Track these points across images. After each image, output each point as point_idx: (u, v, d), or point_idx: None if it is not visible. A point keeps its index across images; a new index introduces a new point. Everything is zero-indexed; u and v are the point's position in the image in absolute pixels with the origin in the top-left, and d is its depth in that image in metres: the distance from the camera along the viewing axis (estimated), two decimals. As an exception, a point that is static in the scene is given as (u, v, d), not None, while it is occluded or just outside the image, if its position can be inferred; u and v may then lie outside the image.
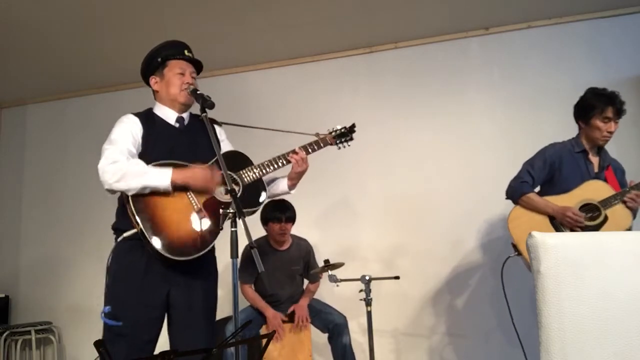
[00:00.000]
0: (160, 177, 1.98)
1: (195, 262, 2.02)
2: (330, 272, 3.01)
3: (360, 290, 2.92)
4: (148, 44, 4.20)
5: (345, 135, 2.47)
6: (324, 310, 3.37)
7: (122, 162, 1.99)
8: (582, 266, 1.37)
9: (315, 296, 3.48)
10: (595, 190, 2.64)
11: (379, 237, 3.88)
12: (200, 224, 2.03)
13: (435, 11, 3.61)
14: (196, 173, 2.05)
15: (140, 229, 1.94)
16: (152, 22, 3.56)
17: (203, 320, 2.11)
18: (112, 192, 2.03)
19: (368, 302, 2.90)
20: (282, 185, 2.39)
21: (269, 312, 3.23)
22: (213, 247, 2.10)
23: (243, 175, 2.18)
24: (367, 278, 2.89)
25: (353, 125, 2.50)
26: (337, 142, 2.46)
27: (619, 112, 2.65)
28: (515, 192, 2.77)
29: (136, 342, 1.97)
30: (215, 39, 3.86)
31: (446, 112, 3.91)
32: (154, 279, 2.03)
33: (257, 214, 3.37)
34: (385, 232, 3.88)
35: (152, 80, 2.25)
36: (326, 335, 3.30)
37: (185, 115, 2.25)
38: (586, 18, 3.71)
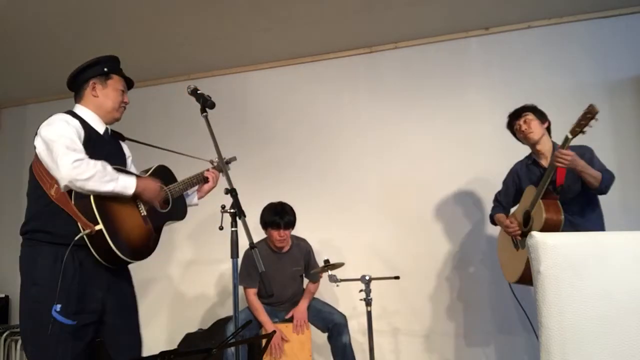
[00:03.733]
0: (128, 183, 2.04)
1: (121, 269, 2.15)
2: (330, 272, 3.01)
3: (360, 290, 2.92)
4: (148, 44, 4.21)
5: (226, 164, 2.66)
6: (324, 309, 3.37)
7: (87, 160, 1.97)
8: (582, 266, 1.37)
9: (316, 296, 3.48)
10: (528, 195, 2.83)
11: (379, 237, 3.88)
12: (147, 229, 2.15)
13: (435, 11, 3.61)
14: (150, 185, 2.15)
15: (101, 229, 1.93)
16: (152, 22, 3.56)
17: (135, 321, 2.23)
18: (70, 189, 1.97)
19: (368, 302, 2.90)
20: (194, 199, 2.57)
21: (270, 327, 3.21)
22: None
23: (172, 190, 2.35)
24: (367, 278, 2.89)
25: (233, 158, 2.77)
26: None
27: (516, 115, 2.91)
28: (490, 218, 3.16)
29: (81, 343, 1.99)
30: (215, 39, 3.85)
31: (446, 112, 3.91)
32: (88, 285, 2.02)
33: (257, 216, 3.37)
34: (385, 231, 3.88)
35: (92, 84, 2.22)
36: (326, 334, 3.31)
37: (109, 127, 2.30)
38: (586, 18, 3.71)
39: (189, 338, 3.69)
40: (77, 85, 2.26)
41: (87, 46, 3.87)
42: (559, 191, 2.68)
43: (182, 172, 2.52)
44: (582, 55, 3.71)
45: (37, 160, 2.07)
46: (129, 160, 2.41)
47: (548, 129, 2.91)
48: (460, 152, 3.82)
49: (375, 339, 2.93)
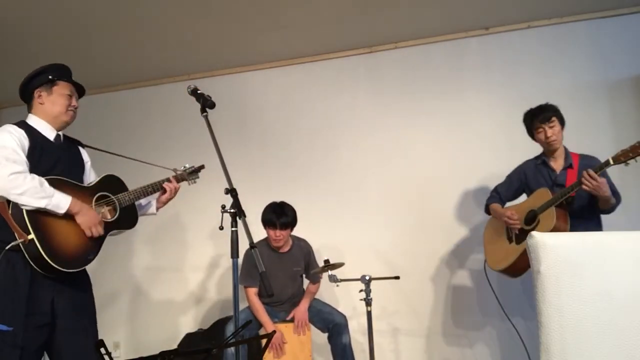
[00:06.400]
0: (61, 203, 2.08)
1: (75, 273, 2.15)
2: (330, 272, 3.01)
3: (360, 290, 2.92)
4: (148, 44, 4.21)
5: (195, 172, 2.75)
6: (324, 309, 3.37)
7: (24, 174, 2.03)
8: (582, 266, 1.37)
9: (316, 295, 3.48)
10: (539, 197, 2.84)
11: (378, 237, 3.88)
12: (84, 239, 2.17)
13: (435, 11, 3.61)
14: (89, 213, 2.18)
15: (33, 239, 2.00)
16: (152, 22, 3.55)
17: (90, 325, 2.26)
18: (7, 200, 2.04)
19: (368, 302, 2.90)
20: (151, 209, 2.60)
21: (270, 327, 3.21)
22: None
23: (120, 199, 2.37)
24: (367, 278, 2.90)
25: (202, 167, 2.77)
26: (190, 179, 2.73)
27: (545, 118, 2.84)
28: (486, 207, 3.21)
29: (25, 352, 2.01)
30: (215, 39, 3.85)
31: (446, 111, 3.91)
32: (39, 288, 2.08)
33: (257, 216, 3.37)
34: (385, 231, 3.88)
35: (37, 93, 2.34)
36: (326, 335, 3.31)
37: (61, 133, 2.37)
38: (586, 18, 3.71)
39: (189, 338, 3.69)
40: (26, 96, 2.40)
41: (87, 47, 3.87)
42: (569, 201, 2.72)
43: (152, 177, 2.58)
44: (582, 55, 3.71)
45: None
46: (87, 166, 2.48)
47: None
48: (460, 151, 3.82)
49: (375, 339, 2.93)
